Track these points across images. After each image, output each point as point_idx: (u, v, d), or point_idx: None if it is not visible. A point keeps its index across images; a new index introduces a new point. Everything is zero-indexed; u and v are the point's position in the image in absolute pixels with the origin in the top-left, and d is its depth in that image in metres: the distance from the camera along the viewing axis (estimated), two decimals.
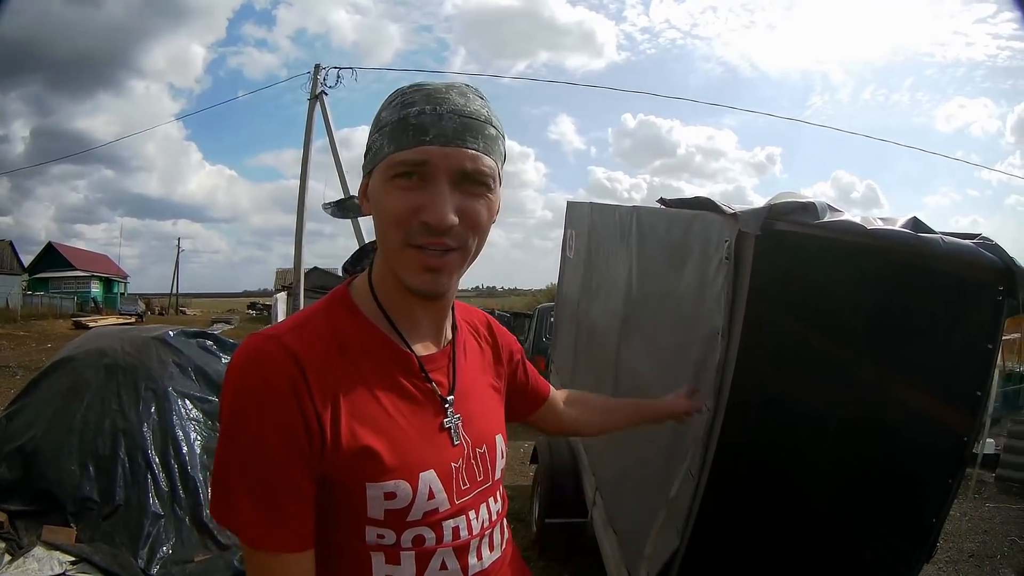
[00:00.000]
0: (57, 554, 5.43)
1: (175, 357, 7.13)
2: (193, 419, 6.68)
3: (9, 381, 15.90)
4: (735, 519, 3.95)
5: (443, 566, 1.50)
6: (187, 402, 6.76)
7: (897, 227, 3.06)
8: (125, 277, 75.98)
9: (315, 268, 49.09)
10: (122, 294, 68.69)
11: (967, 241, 3.10)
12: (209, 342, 7.82)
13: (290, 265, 32.90)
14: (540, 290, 70.95)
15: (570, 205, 8.59)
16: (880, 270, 3.69)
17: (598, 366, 5.76)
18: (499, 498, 1.70)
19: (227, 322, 49.60)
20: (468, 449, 1.58)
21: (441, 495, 1.48)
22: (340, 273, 1.84)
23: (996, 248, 3.08)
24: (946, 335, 3.59)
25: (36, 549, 5.46)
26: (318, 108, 23.77)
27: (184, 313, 68.80)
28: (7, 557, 5.44)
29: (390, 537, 1.44)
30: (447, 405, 1.57)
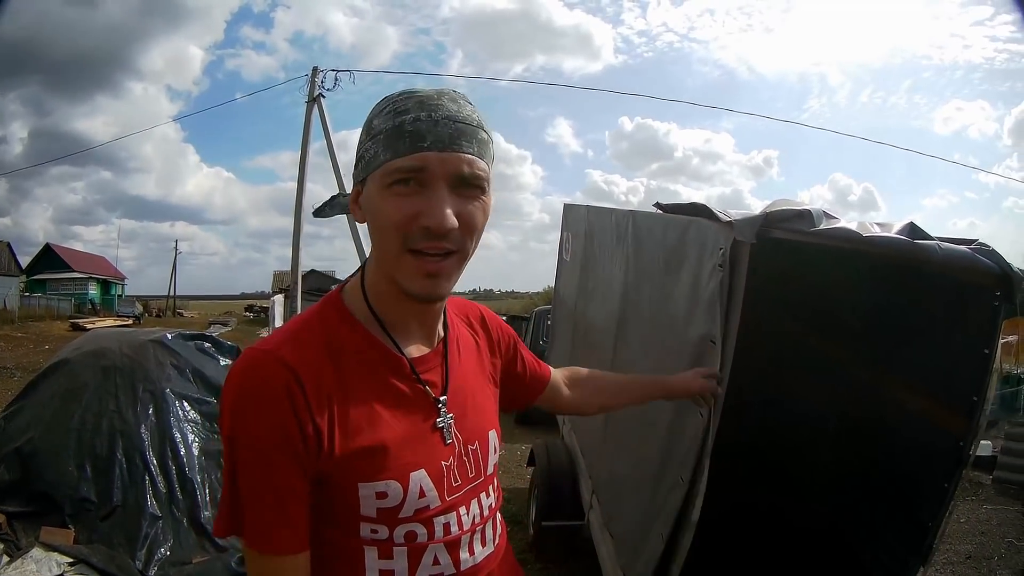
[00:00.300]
0: (55, 555, 5.44)
1: (173, 359, 7.14)
2: (191, 421, 6.69)
3: (7, 383, 15.89)
4: (734, 519, 3.95)
5: (435, 561, 1.54)
6: (185, 404, 6.77)
7: (893, 233, 3.06)
8: (123, 279, 75.98)
9: (312, 271, 49.22)
10: (120, 296, 68.76)
11: (963, 247, 3.10)
12: (207, 344, 7.85)
13: (287, 267, 32.92)
14: (537, 293, 71.00)
15: (567, 208, 8.59)
16: (878, 273, 3.71)
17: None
18: (492, 492, 1.73)
19: (224, 324, 49.63)
20: (460, 447, 1.62)
21: (432, 493, 1.52)
22: (312, 215, 1.89)
23: (992, 253, 3.08)
24: (943, 338, 3.59)
25: (34, 550, 5.47)
26: (316, 110, 23.79)
27: (181, 315, 68.82)
28: (5, 558, 5.45)
29: (383, 532, 1.49)
30: (440, 405, 1.61)
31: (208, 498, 6.25)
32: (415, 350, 1.62)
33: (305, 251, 24.46)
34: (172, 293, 76.37)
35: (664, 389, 2.68)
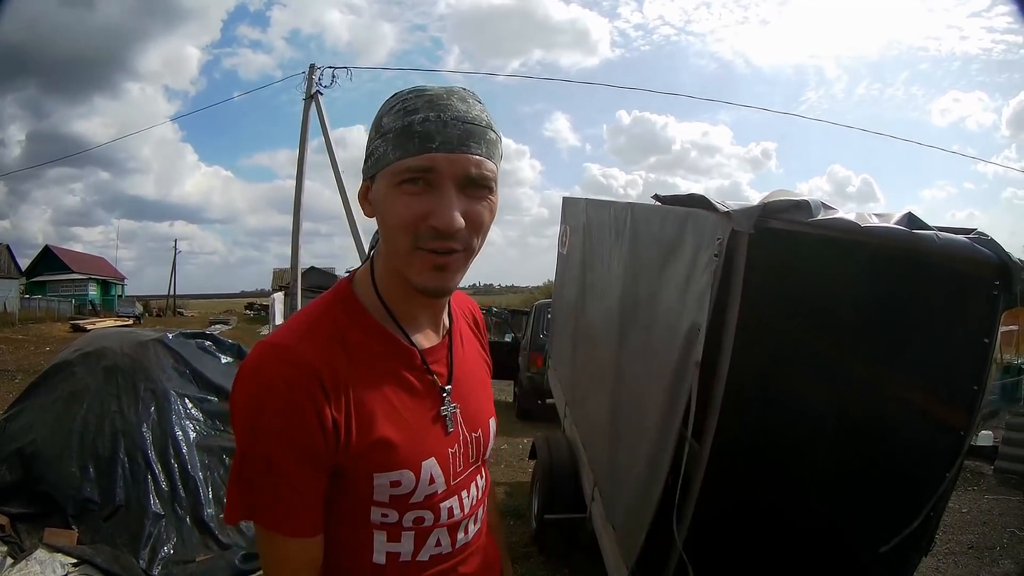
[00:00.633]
0: (59, 556, 5.44)
1: (174, 358, 7.16)
2: (193, 419, 6.71)
3: (8, 385, 15.85)
4: (735, 518, 3.95)
5: (438, 542, 1.61)
6: (186, 402, 6.79)
7: (892, 224, 3.07)
8: (122, 279, 75.89)
9: (312, 268, 49.13)
10: (120, 296, 68.62)
11: (962, 237, 3.11)
12: (208, 343, 7.87)
13: (287, 265, 32.85)
14: (537, 287, 71.07)
15: (566, 201, 8.59)
16: (876, 266, 3.68)
17: (596, 363, 5.78)
18: (483, 474, 1.80)
19: (225, 323, 49.63)
20: (464, 435, 1.68)
21: (440, 479, 1.58)
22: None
23: (991, 243, 3.12)
24: (943, 330, 3.60)
25: (38, 552, 5.47)
26: (313, 108, 23.74)
27: (182, 314, 68.72)
28: (9, 560, 5.45)
29: (393, 516, 1.54)
30: (445, 395, 1.64)
31: (211, 496, 6.26)
32: (423, 341, 1.65)
33: (304, 248, 24.45)
34: (172, 292, 76.29)
35: None
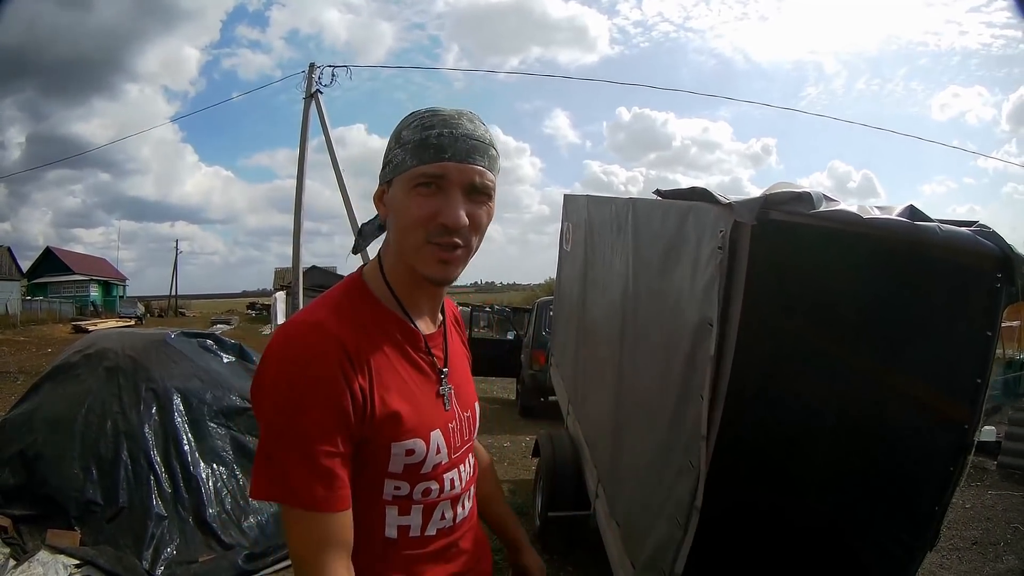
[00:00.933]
0: (62, 558, 5.45)
1: (176, 358, 7.17)
2: (194, 420, 6.69)
3: (10, 386, 15.82)
4: (736, 517, 3.94)
5: (442, 516, 1.79)
6: (189, 402, 6.77)
7: (894, 216, 3.06)
8: (124, 280, 75.90)
9: (313, 267, 49.09)
10: (121, 297, 68.64)
11: (964, 229, 3.10)
12: (210, 342, 7.88)
13: (288, 264, 32.84)
14: (539, 284, 71.16)
15: (567, 198, 8.59)
16: (877, 260, 3.68)
17: (599, 360, 5.79)
18: (472, 456, 1.98)
19: (227, 323, 49.72)
20: (458, 413, 1.87)
21: (444, 450, 1.76)
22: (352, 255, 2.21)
23: (993, 235, 3.11)
24: (945, 324, 3.59)
25: (40, 553, 5.48)
26: (313, 107, 23.71)
27: (183, 315, 68.84)
28: (12, 562, 5.45)
29: (404, 489, 1.70)
30: (443, 376, 1.84)
31: (213, 496, 6.26)
32: (424, 327, 1.83)
33: (305, 247, 24.42)
34: (174, 293, 76.39)
35: (508, 538, 2.47)
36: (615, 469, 4.85)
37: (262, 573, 5.86)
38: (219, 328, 37.82)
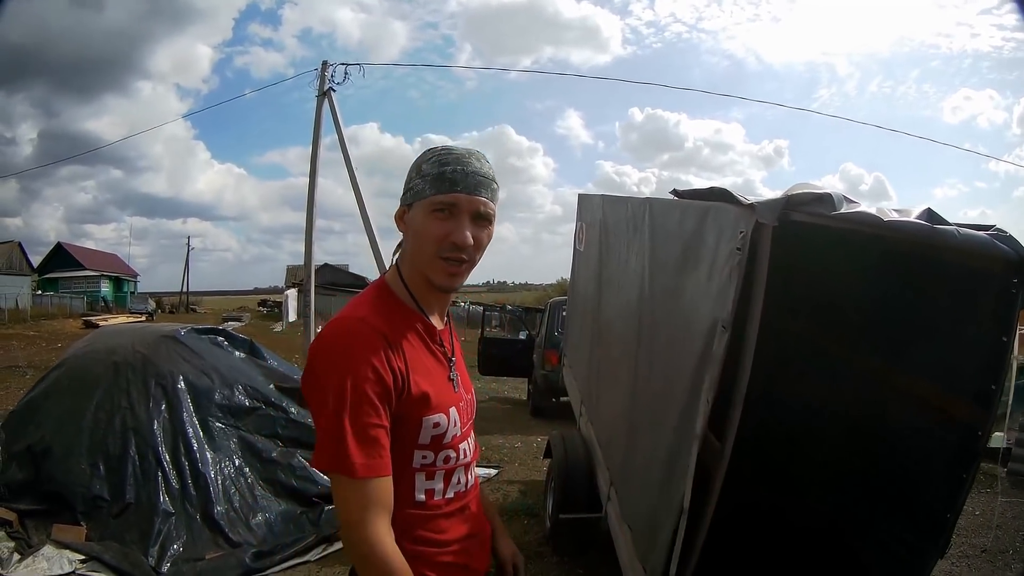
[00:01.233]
0: (67, 553, 5.45)
1: (186, 354, 7.16)
2: (205, 415, 6.70)
3: (19, 380, 15.84)
4: (745, 519, 3.91)
5: (458, 480, 2.15)
6: (198, 399, 6.77)
7: (912, 219, 3.02)
8: (135, 276, 76.06)
9: (326, 264, 49.22)
10: (132, 293, 68.70)
11: (982, 233, 3.07)
12: (220, 338, 7.87)
13: (299, 262, 32.79)
14: (551, 284, 71.15)
15: (581, 198, 8.55)
16: (891, 264, 3.69)
17: (613, 361, 5.75)
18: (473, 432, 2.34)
19: (238, 319, 49.65)
20: (464, 395, 2.24)
21: (458, 424, 2.12)
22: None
23: (1010, 239, 3.08)
24: (959, 328, 3.57)
25: (45, 548, 5.48)
26: (326, 105, 23.67)
27: (195, 311, 68.77)
28: (16, 556, 5.44)
29: (430, 457, 2.06)
30: (452, 364, 2.23)
31: (221, 493, 6.24)
32: (436, 324, 2.20)
33: (318, 245, 24.38)
34: (185, 289, 76.49)
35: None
36: (627, 471, 4.79)
37: (269, 572, 5.82)
38: (230, 325, 37.81)
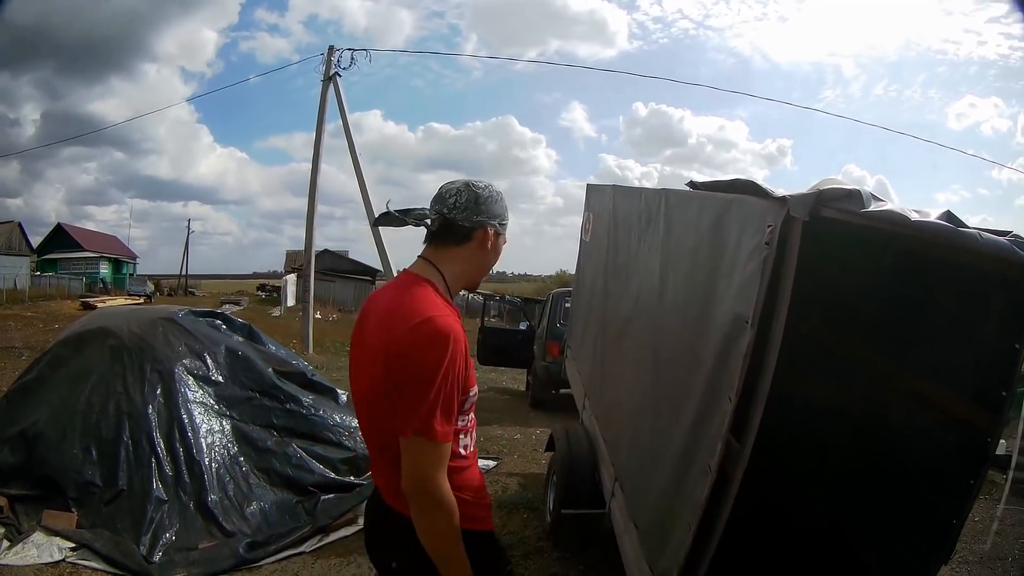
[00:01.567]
0: (57, 540, 5.38)
1: (184, 337, 7.07)
2: (200, 402, 6.60)
3: (15, 362, 15.72)
4: (752, 520, 3.83)
5: (474, 439, 2.64)
6: (195, 384, 6.68)
7: (933, 219, 2.97)
8: (134, 258, 76.01)
9: (325, 250, 49.23)
10: (131, 275, 68.69)
11: (1002, 239, 3.01)
12: (218, 321, 7.77)
13: (299, 247, 32.81)
14: (550, 276, 71.33)
15: (590, 188, 8.50)
16: (905, 264, 3.71)
17: (620, 354, 5.68)
18: None
19: (236, 303, 49.50)
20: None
21: (476, 394, 2.59)
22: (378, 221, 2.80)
23: None
24: (970, 332, 3.58)
25: (36, 535, 5.41)
26: (331, 91, 23.60)
27: (193, 294, 68.76)
28: (6, 543, 5.36)
29: (464, 420, 2.53)
30: None
31: (215, 481, 6.15)
32: None
33: (318, 231, 24.43)
34: (184, 272, 76.46)
35: None
36: (635, 468, 4.71)
37: (264, 563, 5.72)
38: (228, 309, 37.73)
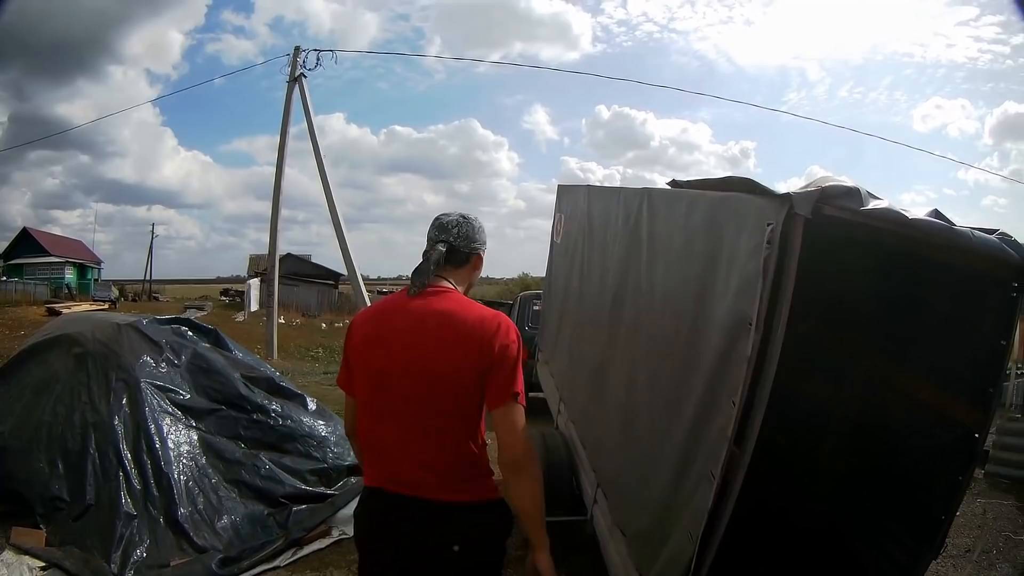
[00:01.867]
0: (27, 559, 5.26)
1: (148, 346, 6.89)
2: (166, 412, 6.45)
3: None
4: (752, 520, 3.79)
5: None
6: (161, 394, 6.53)
7: (926, 217, 3.03)
8: (99, 263, 75.34)
9: (289, 254, 49.08)
10: (96, 280, 68.22)
11: (991, 236, 3.09)
12: (184, 328, 7.57)
13: (262, 251, 32.69)
14: (512, 279, 71.32)
15: (561, 189, 8.48)
16: (898, 263, 3.73)
17: (599, 359, 5.62)
18: None
19: (200, 308, 49.27)
20: None
21: None
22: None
23: (1016, 244, 3.10)
24: (962, 330, 3.62)
25: (5, 553, 5.29)
26: (296, 92, 23.52)
27: (157, 299, 68.36)
28: None
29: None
30: None
31: (184, 495, 6.01)
32: None
33: (281, 235, 24.38)
34: (148, 277, 76.01)
35: None
36: (620, 475, 4.66)
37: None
38: (192, 314, 37.56)
